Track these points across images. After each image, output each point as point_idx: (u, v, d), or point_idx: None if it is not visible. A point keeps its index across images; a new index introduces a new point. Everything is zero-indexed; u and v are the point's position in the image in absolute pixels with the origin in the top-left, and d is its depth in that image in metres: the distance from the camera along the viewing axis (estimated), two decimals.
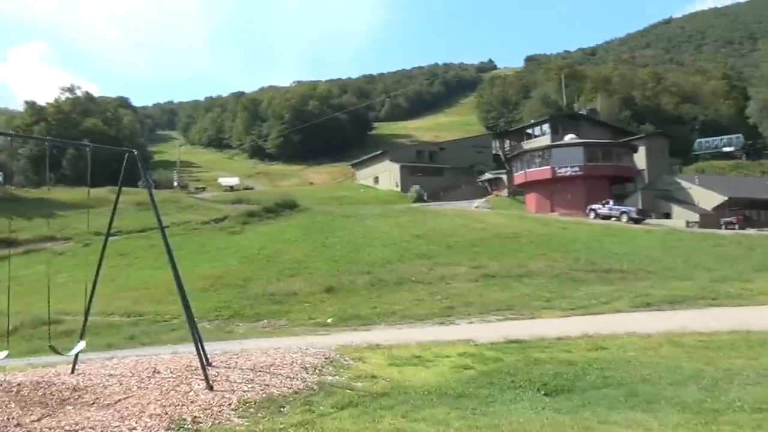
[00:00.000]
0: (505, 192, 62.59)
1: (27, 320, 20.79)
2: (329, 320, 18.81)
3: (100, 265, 9.91)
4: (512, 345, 11.70)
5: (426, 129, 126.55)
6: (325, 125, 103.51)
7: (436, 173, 69.14)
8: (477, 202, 55.97)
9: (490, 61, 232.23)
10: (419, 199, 59.90)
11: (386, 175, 70.32)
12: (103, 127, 78.13)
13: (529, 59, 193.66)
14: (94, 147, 8.19)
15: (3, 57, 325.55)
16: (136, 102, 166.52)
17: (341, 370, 9.60)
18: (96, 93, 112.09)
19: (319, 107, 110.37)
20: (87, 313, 9.86)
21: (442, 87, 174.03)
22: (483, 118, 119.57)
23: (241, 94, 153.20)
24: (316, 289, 23.22)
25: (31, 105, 76.50)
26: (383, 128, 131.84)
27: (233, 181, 79.12)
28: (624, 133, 68.16)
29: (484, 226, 36.25)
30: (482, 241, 31.63)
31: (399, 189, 66.24)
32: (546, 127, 64.55)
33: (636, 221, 42.28)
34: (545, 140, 60.72)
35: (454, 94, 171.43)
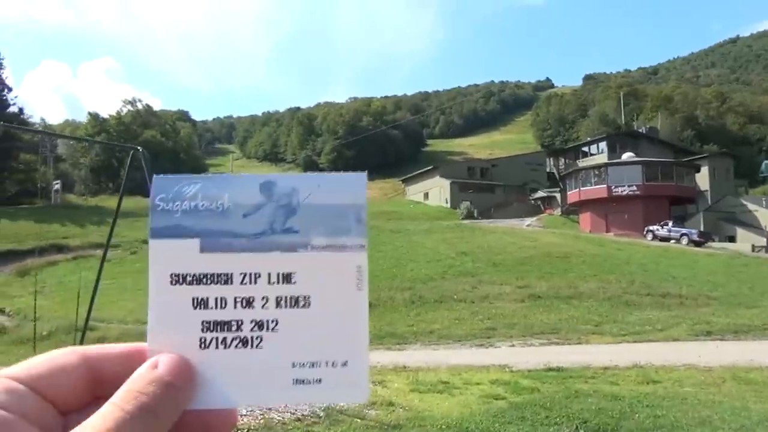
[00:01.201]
0: (558, 211, 60.81)
1: (63, 325, 20.68)
2: None
3: (99, 275, 9.24)
4: (552, 373, 10.52)
5: (480, 146, 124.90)
6: (378, 141, 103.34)
7: (487, 190, 67.80)
8: (529, 221, 54.40)
9: (548, 79, 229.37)
10: (469, 215, 58.60)
11: (436, 191, 69.29)
12: (161, 139, 79.73)
13: (588, 78, 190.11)
14: (92, 142, 7.51)
15: (74, 74, 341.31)
16: (197, 116, 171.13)
17: None
18: (159, 107, 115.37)
19: (373, 123, 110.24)
20: (86, 323, 9.21)
21: (498, 105, 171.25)
22: (539, 137, 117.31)
23: (297, 109, 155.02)
24: None
25: (94, 116, 78.78)
26: (437, 145, 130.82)
27: None
28: (686, 152, 65.50)
29: (534, 245, 34.85)
30: (531, 259, 30.34)
31: (449, 205, 65.14)
32: (603, 144, 62.61)
33: (697, 244, 39.96)
34: (602, 158, 58.74)
35: (509, 112, 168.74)
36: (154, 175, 0.53)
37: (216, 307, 0.54)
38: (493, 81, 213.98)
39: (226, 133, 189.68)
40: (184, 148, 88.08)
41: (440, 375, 10.28)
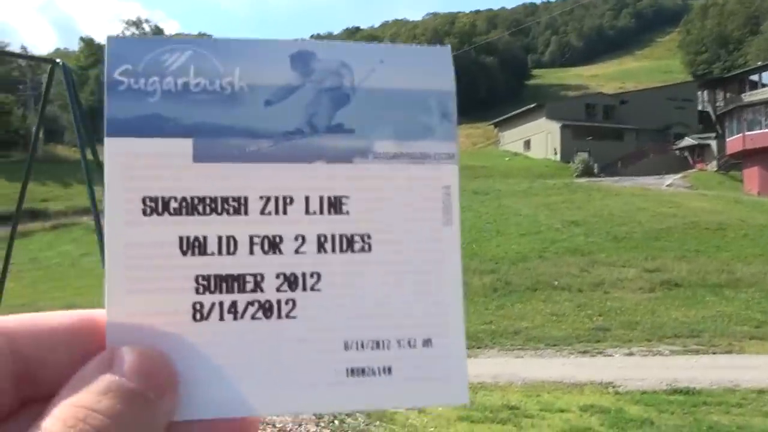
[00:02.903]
0: (713, 165, 59.25)
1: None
2: None
3: (9, 249, 8.63)
4: (678, 397, 9.67)
5: (607, 78, 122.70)
6: (466, 71, 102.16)
7: (613, 136, 66.87)
8: (671, 179, 53.11)
9: None
10: (587, 171, 57.73)
11: (541, 138, 68.25)
12: None
13: None
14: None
15: None
16: None
17: (376, 423, 7.94)
18: (175, 30, 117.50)
19: (459, 46, 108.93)
20: None
21: (633, 19, 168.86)
22: (689, 63, 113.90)
23: (356, 30, 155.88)
24: None
25: (88, 43, 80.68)
26: (547, 76, 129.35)
27: None
28: None
29: (674, 212, 33.73)
30: (669, 232, 29.36)
31: (558, 157, 64.49)
32: None
33: None
34: None
35: (648, 29, 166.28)
36: (108, 36, 0.43)
37: (219, 253, 0.44)
38: None
39: None
40: None
41: (509, 395, 9.57)
